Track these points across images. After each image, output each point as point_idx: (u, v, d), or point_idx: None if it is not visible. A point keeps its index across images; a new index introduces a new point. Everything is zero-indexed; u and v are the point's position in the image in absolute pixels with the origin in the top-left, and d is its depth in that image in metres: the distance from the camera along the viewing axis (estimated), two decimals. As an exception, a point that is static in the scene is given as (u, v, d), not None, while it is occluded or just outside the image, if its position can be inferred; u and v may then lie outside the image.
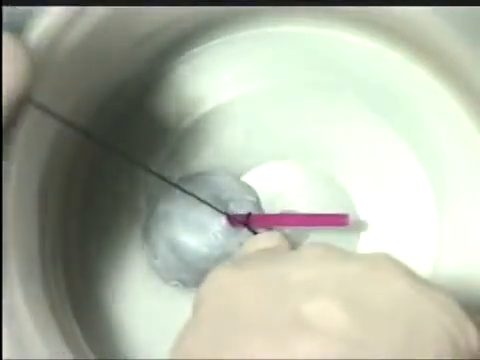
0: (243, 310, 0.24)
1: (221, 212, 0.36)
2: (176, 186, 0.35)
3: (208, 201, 0.35)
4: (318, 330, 0.22)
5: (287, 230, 0.38)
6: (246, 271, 0.26)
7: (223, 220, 0.36)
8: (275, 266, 0.26)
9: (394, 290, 0.24)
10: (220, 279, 0.26)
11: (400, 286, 0.24)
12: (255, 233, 0.36)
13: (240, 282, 0.25)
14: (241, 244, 0.36)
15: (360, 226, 0.39)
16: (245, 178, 0.39)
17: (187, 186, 0.36)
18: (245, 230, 0.36)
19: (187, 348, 0.25)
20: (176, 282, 0.38)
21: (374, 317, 0.23)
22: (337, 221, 0.36)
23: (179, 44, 0.39)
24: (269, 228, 0.37)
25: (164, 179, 0.34)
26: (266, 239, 0.31)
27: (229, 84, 0.40)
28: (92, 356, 0.35)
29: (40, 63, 0.30)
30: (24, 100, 0.25)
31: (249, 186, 0.39)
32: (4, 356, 0.28)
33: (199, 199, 0.35)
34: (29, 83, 0.24)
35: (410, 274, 0.24)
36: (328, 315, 0.23)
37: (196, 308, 0.26)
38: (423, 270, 0.38)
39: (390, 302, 0.23)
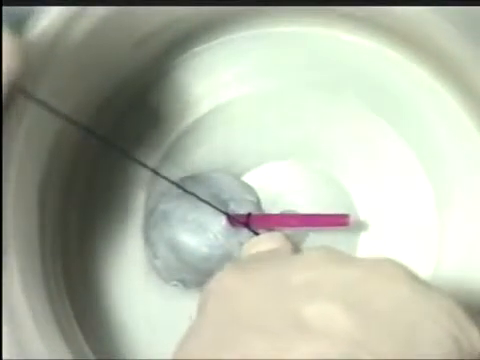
0: (245, 313, 0.24)
1: (222, 211, 0.36)
2: (177, 185, 0.35)
3: (208, 201, 0.35)
4: (320, 332, 0.22)
5: (287, 230, 0.38)
6: (249, 274, 0.26)
7: (223, 220, 0.36)
8: (277, 268, 0.26)
9: (396, 293, 0.24)
10: (223, 281, 0.26)
11: (402, 289, 0.24)
12: (255, 233, 0.36)
13: (243, 285, 0.25)
14: (241, 244, 0.36)
15: (360, 226, 0.39)
16: (245, 178, 0.39)
17: (187, 186, 0.36)
18: (245, 230, 0.36)
19: (189, 349, 0.25)
20: (176, 282, 0.38)
21: (376, 319, 0.23)
22: (337, 221, 0.36)
23: (179, 44, 0.39)
24: (269, 228, 0.37)
25: (165, 178, 0.34)
26: (268, 240, 0.31)
27: (229, 84, 0.40)
28: (92, 356, 0.35)
29: (40, 63, 0.31)
30: (15, 90, 0.25)
31: (249, 186, 0.39)
32: (4, 356, 0.28)
33: (200, 199, 0.35)
34: (19, 71, 0.25)
35: (412, 277, 0.24)
36: (330, 317, 0.23)
37: (199, 310, 0.26)
38: (424, 270, 0.38)
39: (392, 304, 0.23)
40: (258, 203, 0.39)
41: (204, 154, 0.39)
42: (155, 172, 0.34)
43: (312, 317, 0.23)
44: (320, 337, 0.22)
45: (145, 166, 0.33)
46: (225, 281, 0.26)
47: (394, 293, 0.24)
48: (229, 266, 0.27)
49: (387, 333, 0.22)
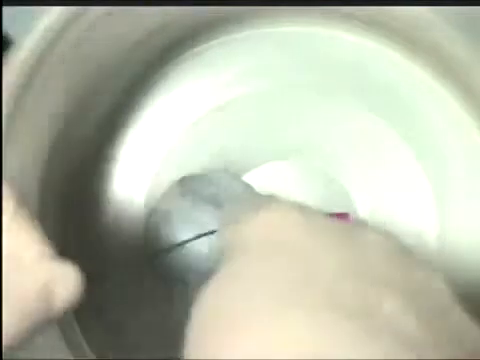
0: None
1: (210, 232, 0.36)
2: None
3: (208, 202, 0.35)
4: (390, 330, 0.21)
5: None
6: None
7: (223, 220, 0.36)
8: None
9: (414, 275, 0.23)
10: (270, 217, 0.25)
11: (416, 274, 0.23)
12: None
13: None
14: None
15: (360, 226, 0.39)
16: (245, 178, 0.39)
17: (187, 186, 0.36)
18: (245, 230, 0.36)
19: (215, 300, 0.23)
20: (176, 282, 0.38)
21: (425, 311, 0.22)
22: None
23: (179, 44, 0.39)
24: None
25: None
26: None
27: (229, 84, 0.40)
28: (92, 356, 0.35)
29: (39, 62, 0.31)
30: None
31: (249, 186, 0.39)
32: (4, 356, 0.28)
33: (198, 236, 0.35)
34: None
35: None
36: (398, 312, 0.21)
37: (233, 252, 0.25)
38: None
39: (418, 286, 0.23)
40: (258, 203, 0.39)
41: (204, 154, 0.39)
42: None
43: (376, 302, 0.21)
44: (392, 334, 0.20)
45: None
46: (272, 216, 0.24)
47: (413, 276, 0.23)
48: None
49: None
